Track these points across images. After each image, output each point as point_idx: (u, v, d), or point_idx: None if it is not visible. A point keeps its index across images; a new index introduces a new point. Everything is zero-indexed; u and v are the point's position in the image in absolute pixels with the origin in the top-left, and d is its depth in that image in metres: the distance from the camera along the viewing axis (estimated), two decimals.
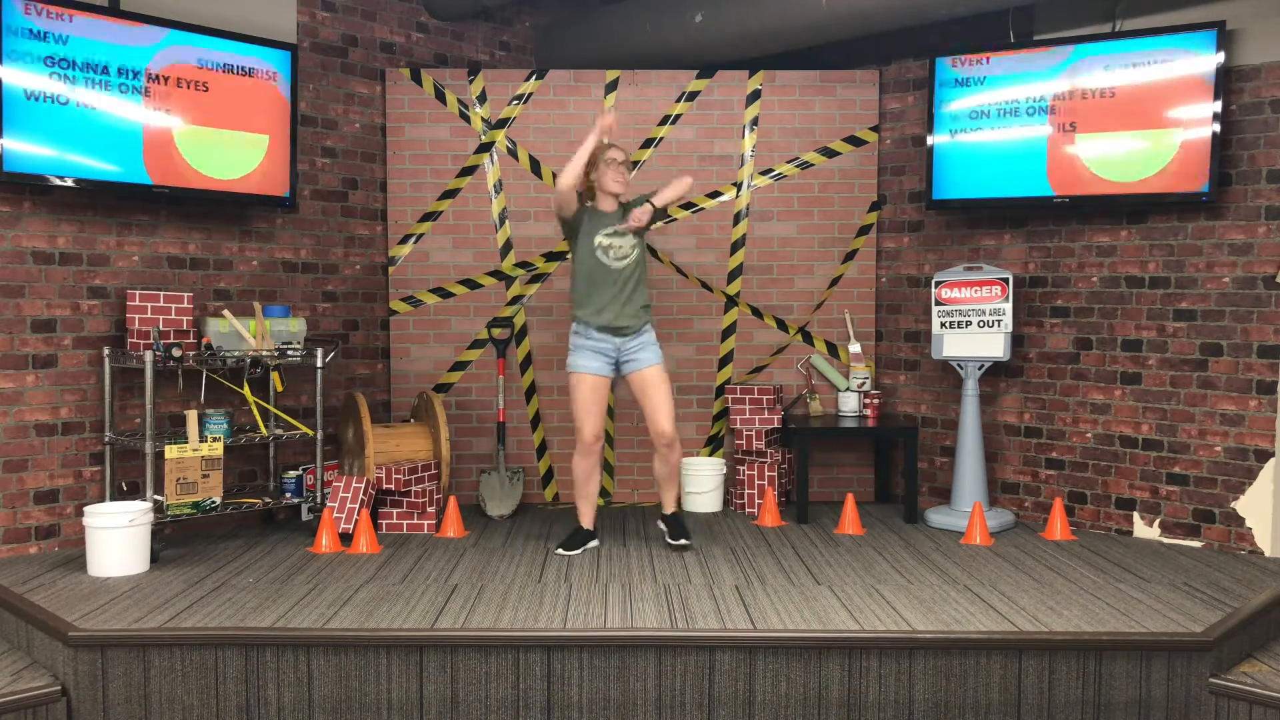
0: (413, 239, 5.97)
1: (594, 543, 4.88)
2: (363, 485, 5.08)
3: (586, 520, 4.90)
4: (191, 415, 4.75)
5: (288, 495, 5.22)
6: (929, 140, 5.53)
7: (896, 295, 6.01)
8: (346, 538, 5.00)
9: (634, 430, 6.02)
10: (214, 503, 4.72)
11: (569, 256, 5.06)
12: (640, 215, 4.73)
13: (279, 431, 5.17)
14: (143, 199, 4.97)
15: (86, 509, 4.38)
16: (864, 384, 5.90)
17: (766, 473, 5.70)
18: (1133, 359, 5.18)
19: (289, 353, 5.04)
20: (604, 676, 3.58)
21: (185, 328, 4.88)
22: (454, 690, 3.58)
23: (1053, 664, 3.56)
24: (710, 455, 6.04)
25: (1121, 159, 5.03)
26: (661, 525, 4.96)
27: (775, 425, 5.81)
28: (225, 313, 5.02)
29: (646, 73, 6.00)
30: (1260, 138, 4.79)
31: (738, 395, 5.81)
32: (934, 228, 5.85)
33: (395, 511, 5.25)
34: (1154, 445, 5.11)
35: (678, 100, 5.99)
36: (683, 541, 4.80)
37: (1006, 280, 5.31)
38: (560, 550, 4.74)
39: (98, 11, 4.63)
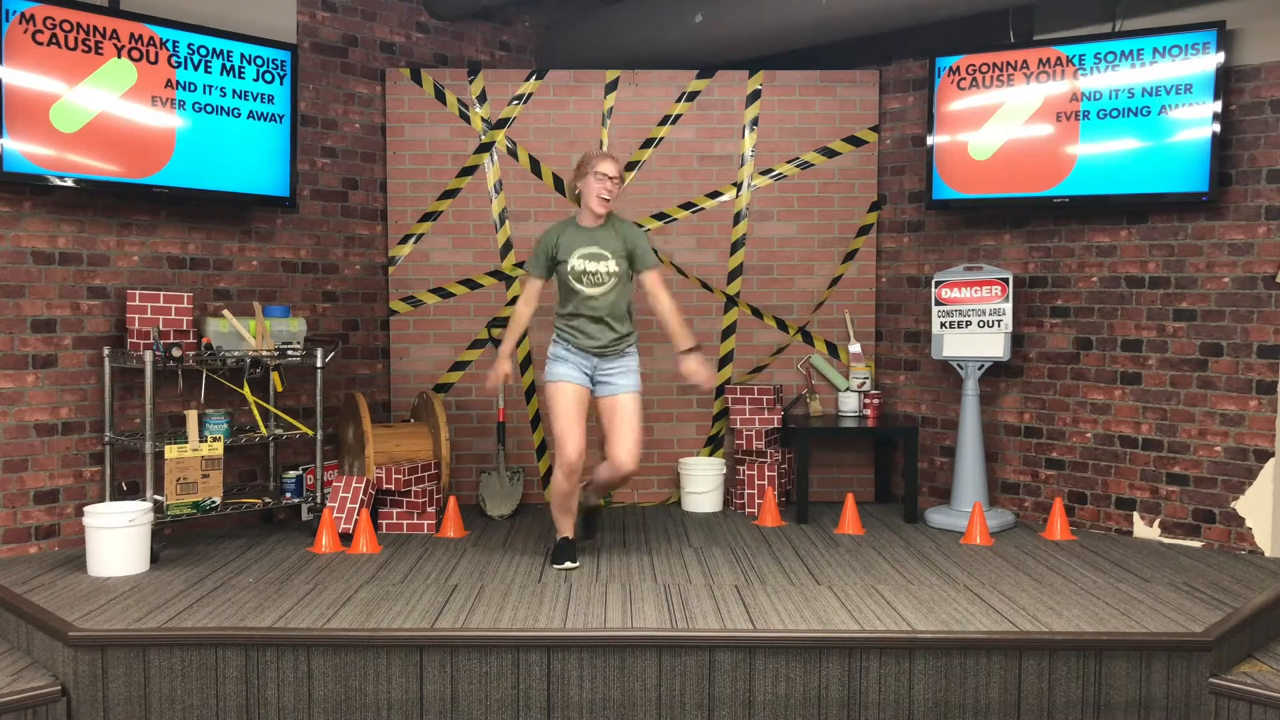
0: (413, 239, 5.97)
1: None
2: (363, 485, 5.07)
3: (569, 530, 4.63)
4: (191, 415, 4.75)
5: (288, 495, 5.22)
6: (929, 140, 5.53)
7: (896, 295, 6.01)
8: (346, 538, 5.00)
9: None
10: (214, 503, 4.71)
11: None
12: (701, 375, 4.55)
13: (279, 431, 5.17)
14: (142, 198, 4.97)
15: (86, 509, 4.38)
16: (864, 384, 5.90)
17: (766, 473, 5.70)
18: (1133, 359, 5.18)
19: (289, 353, 5.04)
20: (604, 676, 3.58)
21: (185, 328, 4.88)
22: (454, 690, 3.58)
23: (1053, 664, 3.56)
24: (710, 455, 6.04)
25: (1121, 159, 5.03)
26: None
27: (775, 425, 5.81)
28: (225, 313, 5.02)
29: (646, 73, 6.00)
30: (1260, 138, 4.79)
31: (738, 395, 5.81)
32: (934, 228, 5.85)
33: (395, 511, 5.25)
34: (1154, 445, 5.11)
35: (678, 100, 5.99)
36: (582, 539, 4.59)
37: (1006, 280, 5.31)
38: (559, 565, 4.49)
39: (97, 12, 4.63)
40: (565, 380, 4.54)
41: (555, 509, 4.62)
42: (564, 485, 4.51)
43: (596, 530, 4.86)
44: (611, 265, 4.51)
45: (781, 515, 5.54)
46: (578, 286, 4.52)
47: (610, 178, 4.49)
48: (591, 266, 4.50)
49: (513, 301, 5.99)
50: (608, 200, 4.51)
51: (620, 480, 4.61)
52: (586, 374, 4.59)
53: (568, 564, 4.51)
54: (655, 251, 4.56)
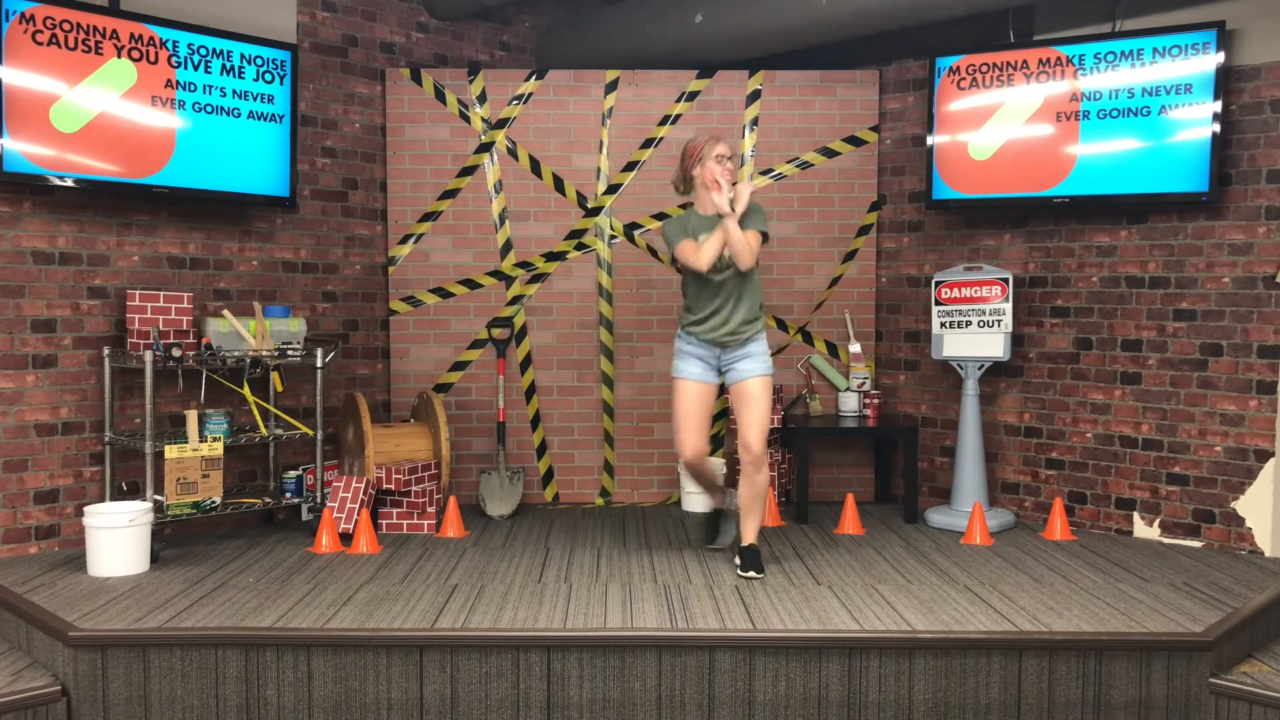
0: (413, 239, 5.97)
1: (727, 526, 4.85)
2: (363, 485, 5.08)
3: (721, 498, 4.84)
4: (191, 415, 4.75)
5: (288, 495, 5.22)
6: (929, 140, 5.53)
7: (896, 295, 6.01)
8: (346, 538, 5.00)
9: (633, 430, 6.02)
10: (214, 503, 4.72)
11: (677, 267, 4.80)
12: (742, 193, 4.34)
13: (279, 431, 5.17)
14: (142, 198, 4.97)
15: (86, 509, 4.38)
16: (864, 384, 5.90)
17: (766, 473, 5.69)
18: (1133, 359, 5.18)
19: (289, 353, 5.04)
20: (604, 676, 3.58)
21: (185, 328, 4.88)
22: (454, 690, 3.58)
23: (1053, 664, 3.56)
24: (710, 455, 6.02)
25: (1121, 159, 5.03)
26: (735, 558, 4.53)
27: (775, 425, 5.81)
28: (225, 313, 5.02)
29: (646, 73, 6.00)
30: (1260, 138, 4.79)
31: None
32: (934, 228, 5.85)
33: (395, 511, 5.25)
34: (1154, 445, 5.11)
35: (678, 100, 5.99)
36: (751, 574, 4.32)
37: (1006, 280, 5.31)
38: (742, 574, 4.35)
39: (97, 12, 4.63)
40: (687, 378, 4.49)
41: (697, 485, 4.85)
42: (689, 471, 4.70)
43: (762, 565, 4.43)
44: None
45: (781, 515, 5.54)
46: (704, 273, 4.40)
47: (728, 157, 4.44)
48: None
49: (514, 301, 5.99)
50: (730, 180, 4.43)
51: (754, 474, 4.43)
52: (711, 367, 4.50)
53: (752, 573, 4.34)
54: (766, 230, 4.46)
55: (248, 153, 5.14)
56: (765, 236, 4.45)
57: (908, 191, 5.94)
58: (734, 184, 4.43)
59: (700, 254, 4.36)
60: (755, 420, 4.43)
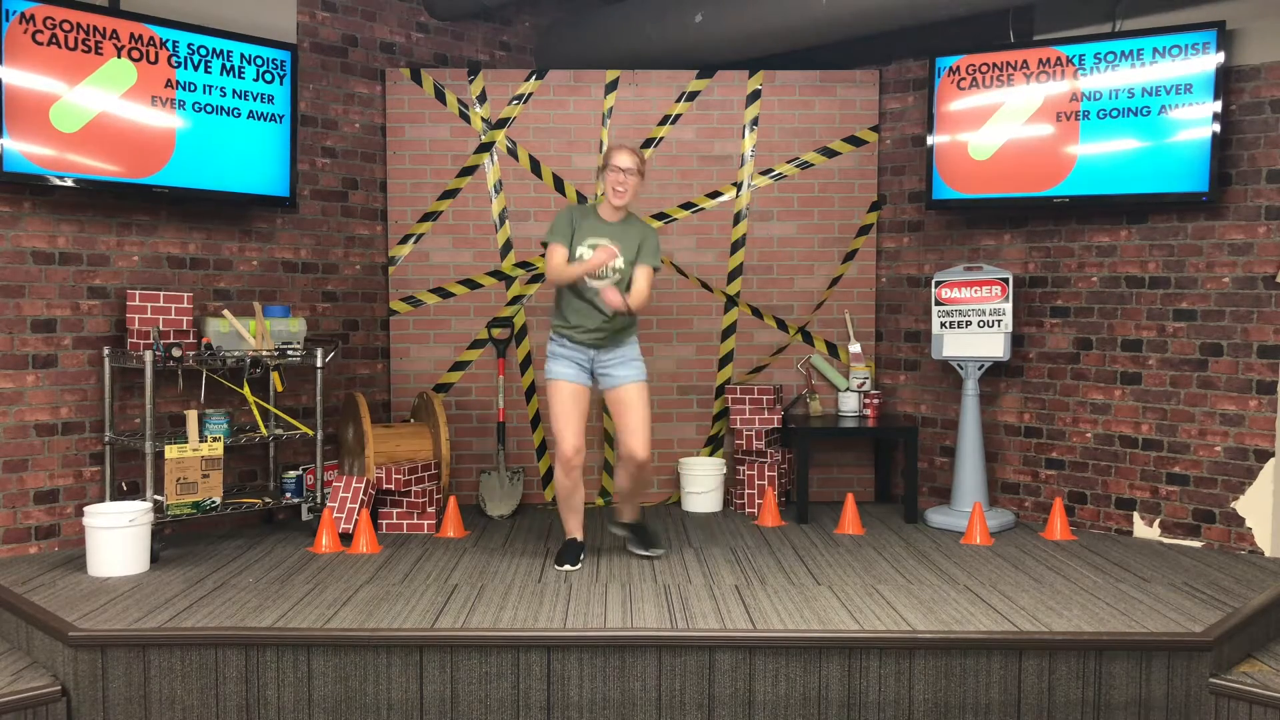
0: (413, 239, 5.97)
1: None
2: (363, 485, 5.07)
3: (577, 531, 4.58)
4: (191, 415, 4.75)
5: (288, 495, 5.22)
6: (929, 140, 5.53)
7: (896, 295, 6.01)
8: (346, 538, 5.00)
9: None
10: (214, 503, 4.71)
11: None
12: (612, 297, 4.32)
13: (279, 431, 5.17)
14: (142, 198, 4.97)
15: (86, 509, 4.38)
16: (864, 384, 5.90)
17: (766, 473, 5.70)
18: (1133, 359, 5.18)
19: (289, 353, 5.04)
20: (604, 676, 3.58)
21: (185, 328, 4.88)
22: (454, 690, 3.58)
23: (1053, 664, 3.56)
24: (710, 455, 6.04)
25: (1121, 159, 5.03)
26: (619, 532, 4.71)
27: (775, 425, 5.81)
28: (225, 313, 5.02)
29: (646, 73, 6.00)
30: (1260, 138, 4.79)
31: (738, 395, 5.81)
32: (934, 228, 5.85)
33: (395, 511, 5.25)
34: (1154, 445, 5.11)
35: (678, 100, 5.99)
36: (657, 551, 4.41)
37: (1006, 280, 5.31)
38: (559, 566, 4.48)
39: (97, 12, 4.63)
40: (561, 379, 4.52)
41: (560, 507, 4.61)
42: (564, 481, 4.50)
43: (656, 541, 4.65)
44: (618, 263, 4.41)
45: (781, 515, 5.54)
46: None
47: (623, 170, 4.40)
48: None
49: (514, 301, 5.99)
50: (622, 193, 4.42)
51: (637, 473, 4.50)
52: (585, 368, 4.54)
53: (567, 566, 4.49)
54: (658, 260, 4.52)
55: (248, 153, 5.14)
56: (656, 269, 4.50)
57: (908, 191, 5.94)
58: (626, 198, 4.39)
59: (561, 272, 4.38)
60: (638, 426, 4.40)
